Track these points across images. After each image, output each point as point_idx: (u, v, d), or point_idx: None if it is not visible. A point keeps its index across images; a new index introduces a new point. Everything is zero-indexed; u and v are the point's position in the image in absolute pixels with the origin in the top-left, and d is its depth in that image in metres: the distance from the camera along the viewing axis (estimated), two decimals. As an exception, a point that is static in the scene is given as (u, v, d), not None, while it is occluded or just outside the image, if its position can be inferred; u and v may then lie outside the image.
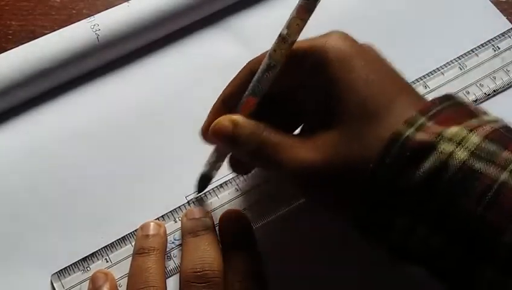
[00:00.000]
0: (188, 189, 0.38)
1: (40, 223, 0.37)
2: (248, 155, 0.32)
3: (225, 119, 0.32)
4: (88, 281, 0.34)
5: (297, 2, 0.30)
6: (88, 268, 0.35)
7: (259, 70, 0.31)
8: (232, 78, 0.34)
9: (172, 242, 0.36)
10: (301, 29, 0.30)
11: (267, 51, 0.31)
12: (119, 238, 0.36)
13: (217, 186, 0.38)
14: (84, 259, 0.35)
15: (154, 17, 0.42)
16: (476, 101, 0.41)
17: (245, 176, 0.38)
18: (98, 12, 0.42)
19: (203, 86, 0.42)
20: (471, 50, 0.43)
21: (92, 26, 0.40)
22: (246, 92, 0.32)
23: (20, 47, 0.40)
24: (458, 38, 0.44)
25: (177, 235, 0.36)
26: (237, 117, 0.32)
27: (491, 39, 0.44)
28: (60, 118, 0.41)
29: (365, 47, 0.31)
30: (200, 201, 0.37)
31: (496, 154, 0.26)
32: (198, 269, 0.33)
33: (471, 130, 0.26)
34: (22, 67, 0.39)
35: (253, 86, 0.32)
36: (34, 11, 0.45)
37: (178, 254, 0.35)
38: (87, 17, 0.41)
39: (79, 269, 0.35)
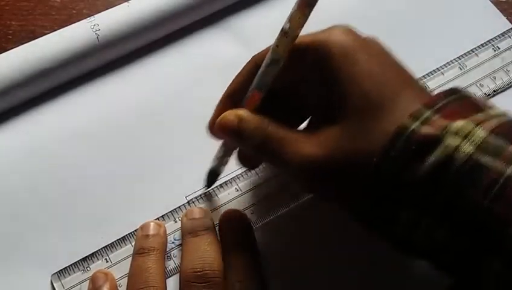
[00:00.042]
0: (188, 189, 0.38)
1: (40, 223, 0.37)
2: (253, 149, 0.32)
3: (230, 114, 0.32)
4: (88, 281, 0.34)
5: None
6: (88, 268, 0.35)
7: (262, 65, 0.31)
8: (237, 74, 0.34)
9: (172, 242, 0.36)
10: (303, 24, 0.30)
11: (270, 46, 0.31)
12: (119, 238, 0.36)
13: (217, 186, 0.38)
14: (84, 259, 0.35)
15: (154, 17, 0.42)
16: (476, 101, 0.41)
17: (244, 176, 0.38)
18: (98, 12, 0.42)
19: (203, 86, 0.42)
20: (471, 50, 0.43)
21: (92, 26, 0.40)
22: (251, 87, 0.32)
23: (20, 47, 0.40)
24: (458, 38, 0.44)
25: (177, 235, 0.36)
26: (242, 112, 0.32)
27: (491, 39, 0.44)
28: (60, 118, 0.41)
29: (369, 40, 0.31)
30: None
31: (502, 148, 0.26)
32: (198, 269, 0.33)
33: (477, 124, 0.26)
34: (22, 67, 0.39)
35: (258, 81, 0.32)
36: (34, 11, 0.45)
37: (178, 254, 0.35)
38: (87, 17, 0.41)
39: (79, 269, 0.35)
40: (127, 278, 0.34)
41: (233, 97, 0.33)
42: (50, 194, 0.38)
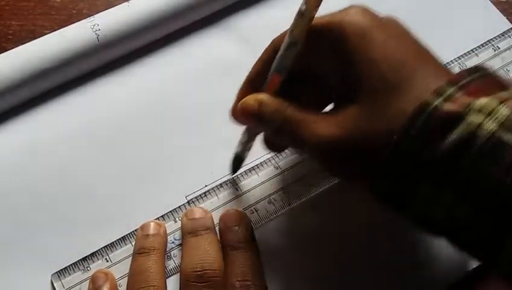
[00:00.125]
0: (188, 189, 0.38)
1: (40, 223, 0.37)
2: (274, 132, 0.32)
3: (251, 98, 0.32)
4: (88, 280, 0.34)
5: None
6: (88, 268, 0.35)
7: (281, 48, 0.31)
8: (257, 58, 0.34)
9: (173, 242, 0.36)
10: (319, 4, 0.30)
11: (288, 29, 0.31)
12: (119, 238, 0.36)
13: (216, 186, 0.38)
14: (85, 259, 0.35)
15: (154, 17, 0.42)
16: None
17: (244, 176, 0.38)
18: (98, 12, 0.41)
19: (203, 86, 0.42)
20: (471, 50, 0.43)
21: (92, 26, 0.40)
22: (270, 71, 0.32)
23: (20, 47, 0.40)
24: (458, 38, 0.44)
25: (177, 235, 0.36)
26: (262, 96, 0.32)
27: (491, 39, 0.44)
28: (60, 118, 0.41)
29: (387, 20, 0.31)
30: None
31: None
32: (198, 269, 0.33)
33: (501, 102, 0.26)
34: (22, 67, 0.39)
35: (277, 64, 0.32)
36: (34, 11, 0.45)
37: (178, 254, 0.35)
38: (87, 17, 0.41)
39: (79, 269, 0.35)
40: (127, 277, 0.34)
41: (254, 82, 0.33)
42: (50, 194, 0.38)
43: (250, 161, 0.38)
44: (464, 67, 0.42)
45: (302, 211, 0.37)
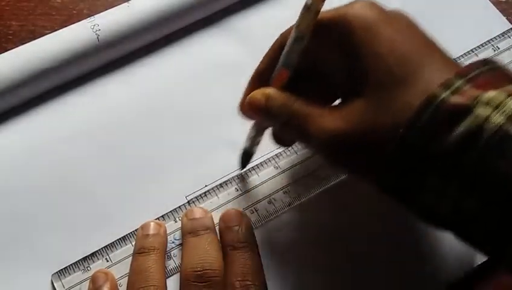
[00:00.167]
0: (188, 189, 0.38)
1: (40, 223, 0.37)
2: (281, 126, 0.32)
3: (258, 93, 0.32)
4: (88, 280, 0.34)
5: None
6: (88, 268, 0.35)
7: (288, 43, 0.31)
8: (264, 54, 0.34)
9: (173, 242, 0.36)
10: None
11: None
12: (119, 238, 0.36)
13: (216, 186, 0.38)
14: (85, 259, 0.35)
15: (154, 17, 0.42)
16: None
17: (244, 176, 0.38)
18: (98, 13, 0.42)
19: (203, 86, 0.42)
20: (471, 50, 0.43)
21: (92, 27, 0.40)
22: (277, 65, 0.32)
23: (20, 47, 0.40)
24: (458, 38, 0.44)
25: (178, 235, 0.36)
26: (269, 90, 0.32)
27: (491, 39, 0.44)
28: (60, 118, 0.41)
29: (393, 14, 0.31)
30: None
31: None
32: (198, 269, 0.33)
33: (509, 95, 0.26)
34: (22, 68, 0.39)
35: (284, 59, 0.32)
36: (34, 11, 0.45)
37: (178, 254, 0.35)
38: (87, 18, 0.41)
39: (79, 269, 0.35)
40: (127, 277, 0.34)
41: (261, 77, 0.34)
42: (50, 194, 0.38)
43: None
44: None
45: (302, 211, 0.37)
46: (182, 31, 0.44)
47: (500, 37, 0.44)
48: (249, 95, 0.33)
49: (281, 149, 0.39)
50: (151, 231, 0.35)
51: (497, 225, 0.26)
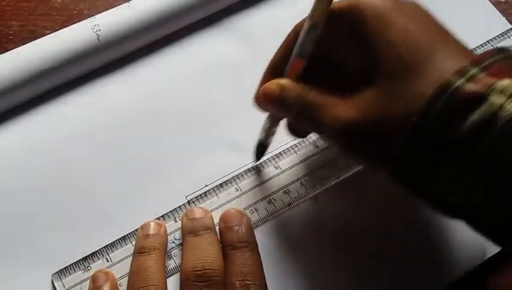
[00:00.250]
0: (188, 189, 0.38)
1: (40, 223, 0.37)
2: (295, 117, 0.32)
3: (273, 84, 0.33)
4: (89, 280, 0.34)
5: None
6: (89, 267, 0.35)
7: (301, 33, 0.31)
8: (279, 45, 0.34)
9: (173, 242, 0.36)
10: None
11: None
12: (120, 238, 0.36)
13: (216, 186, 0.38)
14: (85, 258, 0.35)
15: (155, 17, 0.42)
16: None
17: (244, 176, 0.38)
18: (99, 13, 0.42)
19: (203, 86, 0.42)
20: (471, 50, 0.43)
21: (93, 27, 0.40)
22: (292, 56, 0.32)
23: (20, 47, 0.40)
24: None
25: (178, 234, 0.36)
26: (284, 81, 0.32)
27: (491, 39, 0.44)
28: (60, 118, 0.41)
29: (406, 3, 0.31)
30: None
31: None
32: (198, 268, 0.33)
33: None
34: (22, 68, 0.39)
35: (298, 49, 0.32)
36: (34, 12, 0.45)
37: (178, 254, 0.35)
38: (87, 18, 0.41)
39: (80, 269, 0.35)
40: (127, 277, 0.34)
41: (276, 68, 0.34)
42: (50, 194, 0.38)
43: (250, 161, 0.38)
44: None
45: (302, 211, 0.37)
46: (182, 31, 0.44)
47: (499, 37, 0.44)
48: (264, 86, 0.33)
49: (281, 149, 0.39)
50: (152, 231, 0.35)
51: (509, 214, 0.26)
